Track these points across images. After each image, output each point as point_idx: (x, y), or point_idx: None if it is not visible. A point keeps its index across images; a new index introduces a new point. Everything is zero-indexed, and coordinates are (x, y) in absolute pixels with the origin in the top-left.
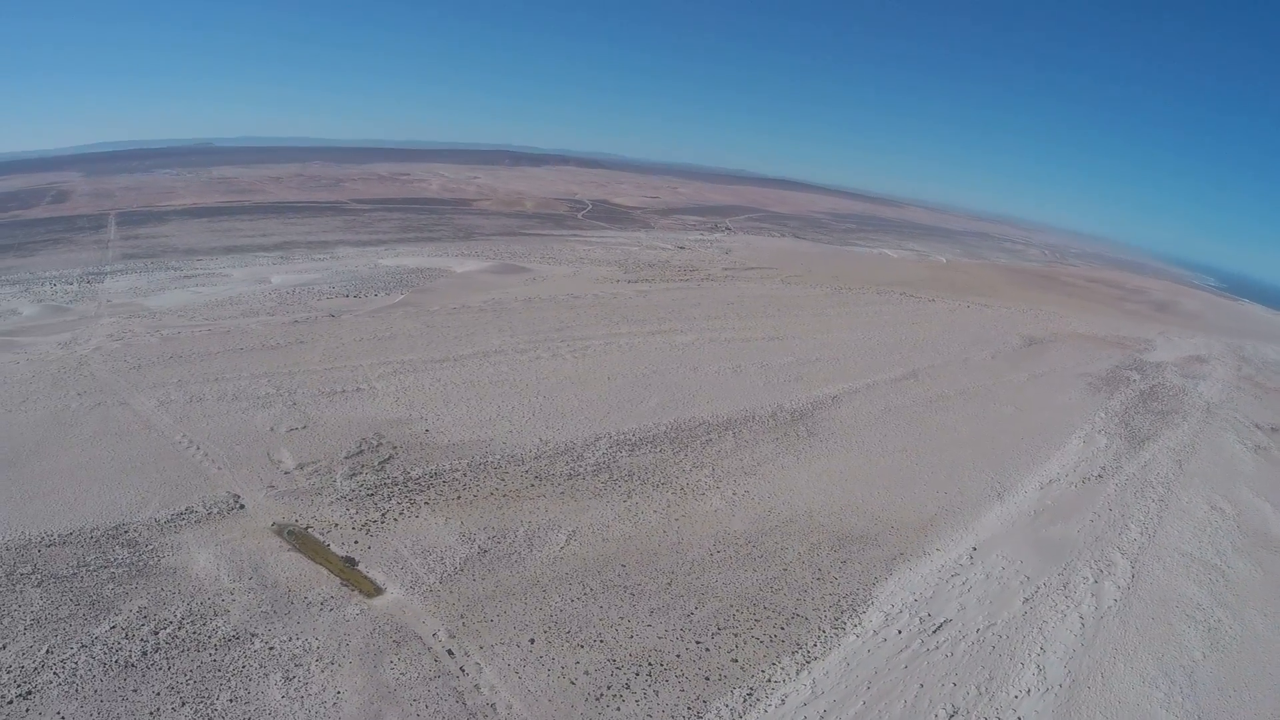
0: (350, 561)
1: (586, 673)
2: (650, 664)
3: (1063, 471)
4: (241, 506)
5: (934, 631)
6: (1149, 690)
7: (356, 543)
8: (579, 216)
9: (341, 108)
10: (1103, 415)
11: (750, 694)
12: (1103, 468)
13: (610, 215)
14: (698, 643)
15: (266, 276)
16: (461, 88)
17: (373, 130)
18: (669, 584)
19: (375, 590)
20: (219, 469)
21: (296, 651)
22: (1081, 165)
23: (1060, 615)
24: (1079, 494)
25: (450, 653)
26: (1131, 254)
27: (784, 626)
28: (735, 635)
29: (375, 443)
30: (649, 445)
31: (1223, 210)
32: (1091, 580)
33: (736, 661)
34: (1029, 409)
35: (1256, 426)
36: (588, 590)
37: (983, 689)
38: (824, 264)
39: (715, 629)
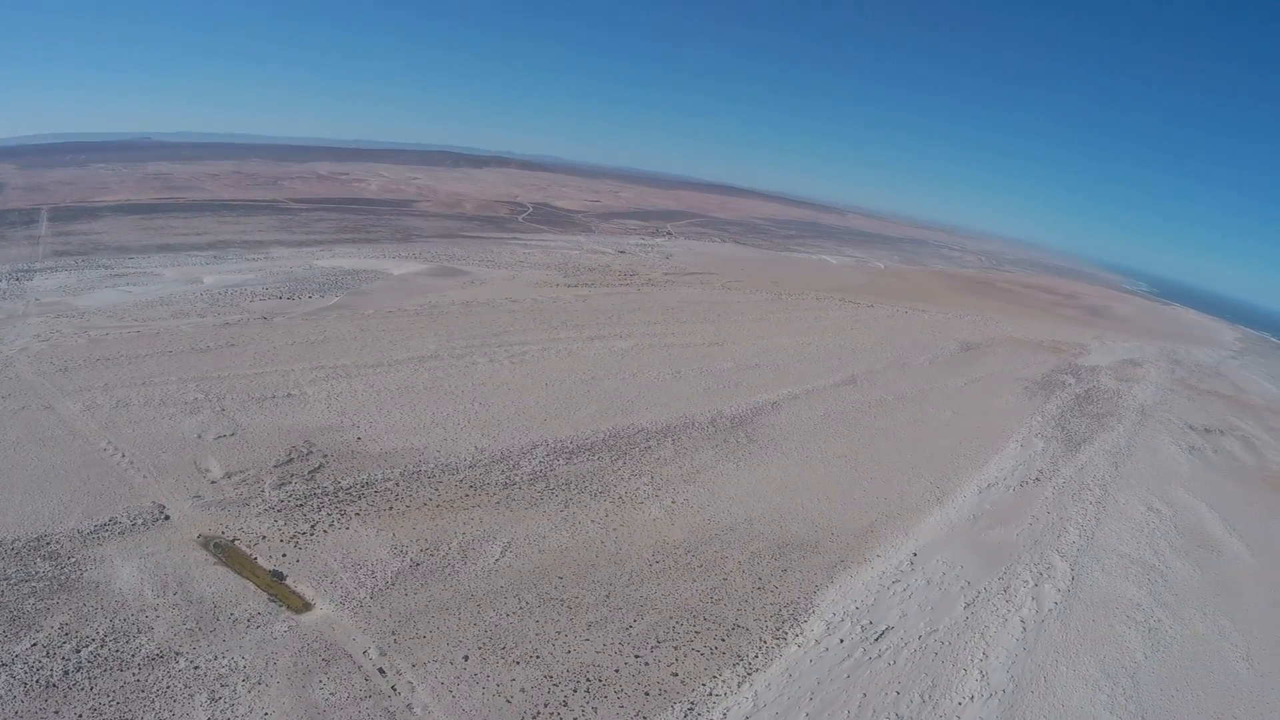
0: (278, 575)
1: (523, 690)
2: (588, 680)
3: (1001, 475)
4: (167, 517)
5: (876, 639)
6: (1093, 693)
7: (285, 556)
8: (519, 219)
9: (283, 105)
10: (1039, 419)
11: (691, 709)
12: (1040, 471)
13: (551, 218)
14: (637, 656)
15: (199, 276)
16: (405, 88)
17: (314, 129)
18: (607, 596)
19: (304, 606)
20: (144, 478)
21: (223, 671)
22: (1017, 173)
23: (1002, 620)
24: (1017, 498)
25: (381, 671)
26: (1065, 260)
27: (725, 638)
28: (675, 648)
29: (305, 451)
30: (587, 453)
31: (1154, 216)
32: (1032, 584)
33: (677, 675)
34: (967, 413)
35: (1190, 428)
36: (524, 604)
37: (926, 697)
38: (764, 270)
39: (655, 642)
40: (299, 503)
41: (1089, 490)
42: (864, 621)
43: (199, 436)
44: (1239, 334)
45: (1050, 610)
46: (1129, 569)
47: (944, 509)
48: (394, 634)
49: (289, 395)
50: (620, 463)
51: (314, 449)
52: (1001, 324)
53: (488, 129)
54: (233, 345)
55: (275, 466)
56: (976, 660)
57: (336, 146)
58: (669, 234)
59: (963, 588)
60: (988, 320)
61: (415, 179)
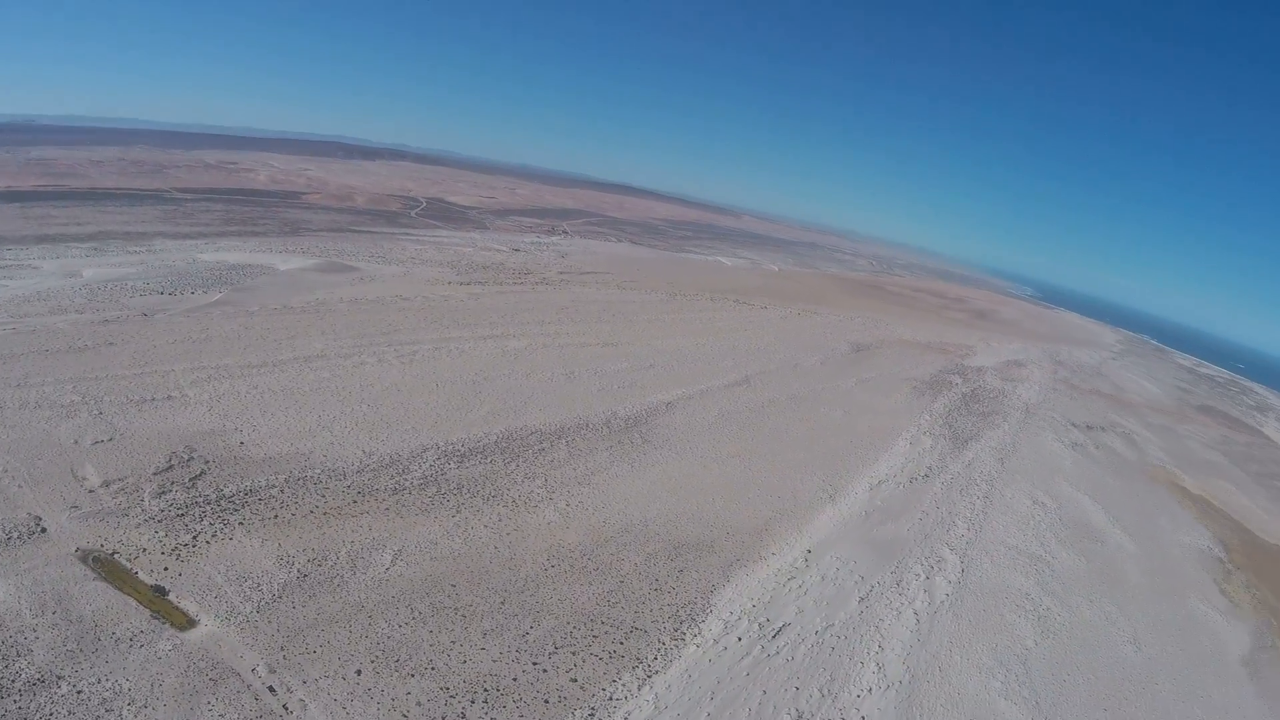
0: (160, 591)
1: (419, 704)
2: (486, 690)
3: (891, 472)
4: (43, 530)
5: (774, 636)
6: (987, 680)
7: (166, 569)
8: (412, 214)
9: (173, 89)
10: (928, 417)
11: (592, 714)
12: (929, 468)
13: (445, 214)
14: (535, 664)
15: (78, 270)
16: (298, 77)
17: (204, 115)
18: (502, 603)
19: (188, 622)
20: (19, 487)
21: (107, 695)
22: (907, 179)
23: (896, 613)
24: (908, 493)
25: (271, 689)
26: (953, 265)
27: (623, 641)
28: (573, 653)
29: (186, 457)
30: (479, 456)
31: (1037, 223)
32: (924, 577)
33: (576, 681)
34: (858, 412)
35: (1073, 425)
36: (416, 614)
37: (825, 691)
38: (660, 270)
39: (552, 648)
40: (180, 512)
41: (976, 485)
42: (761, 619)
43: (75, 442)
44: (1119, 336)
45: (942, 602)
46: (1017, 560)
47: (837, 506)
48: (283, 650)
49: (169, 397)
50: (513, 465)
51: (195, 454)
52: (891, 326)
53: (382, 121)
54: (111, 344)
55: (155, 474)
56: (873, 653)
57: (226, 134)
58: (565, 233)
59: (857, 582)
60: (878, 322)
61: (306, 170)
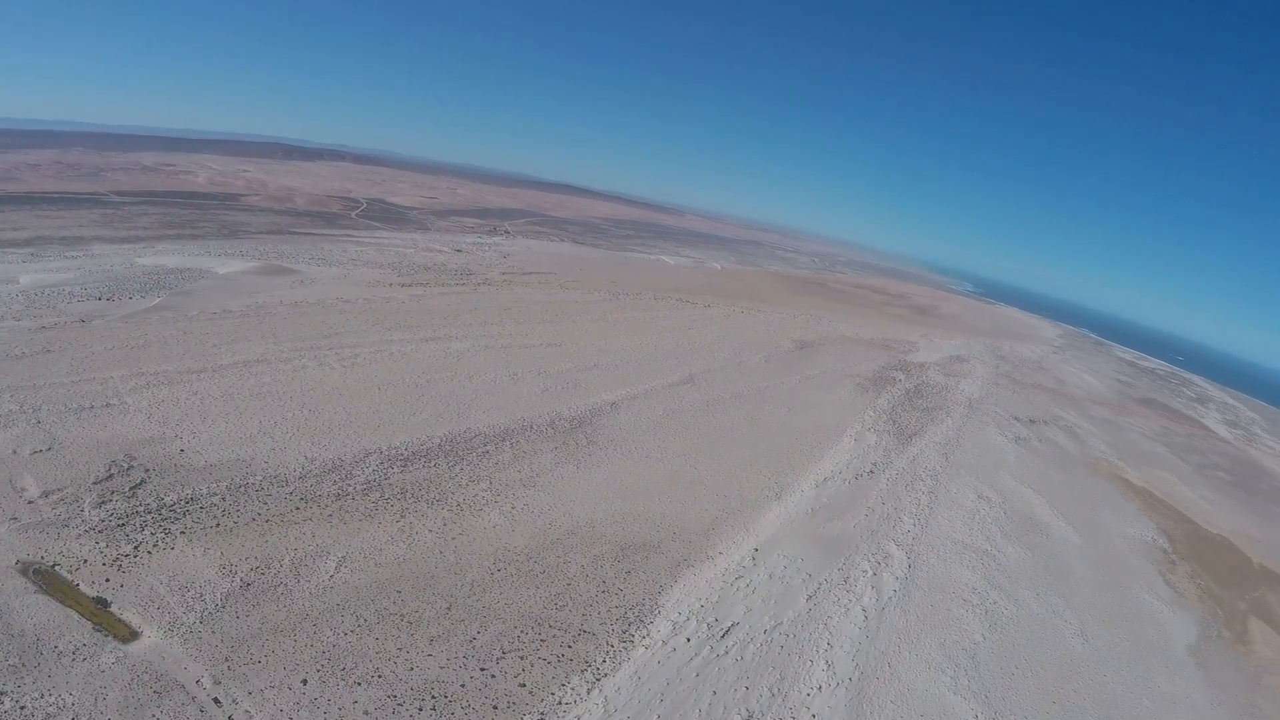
0: (102, 603)
1: (366, 713)
2: (434, 697)
3: (836, 469)
4: None
5: (722, 636)
6: (936, 675)
7: (108, 580)
8: (353, 215)
9: (110, 91)
10: (872, 414)
11: (541, 719)
12: (874, 464)
13: (386, 215)
14: (483, 669)
15: (15, 276)
16: (237, 77)
17: (142, 116)
18: (449, 608)
19: (131, 634)
20: None
21: (50, 710)
22: (849, 176)
23: (844, 610)
24: (853, 490)
25: (216, 701)
26: (895, 262)
27: (571, 644)
28: (522, 658)
29: (126, 465)
30: (423, 460)
31: (977, 219)
32: (871, 573)
33: (525, 686)
34: (802, 410)
35: (1015, 419)
36: (362, 621)
37: (775, 690)
38: (603, 270)
39: (500, 653)
40: (121, 522)
41: (921, 481)
42: (709, 619)
43: (14, 452)
44: (1060, 330)
45: (890, 598)
46: (963, 555)
47: (783, 504)
48: (227, 660)
49: (108, 405)
50: (458, 469)
51: (135, 463)
52: (834, 323)
53: (322, 122)
54: (49, 351)
55: (95, 483)
56: (822, 651)
57: (164, 135)
58: (507, 233)
59: (804, 580)
60: (821, 319)
61: (245, 171)
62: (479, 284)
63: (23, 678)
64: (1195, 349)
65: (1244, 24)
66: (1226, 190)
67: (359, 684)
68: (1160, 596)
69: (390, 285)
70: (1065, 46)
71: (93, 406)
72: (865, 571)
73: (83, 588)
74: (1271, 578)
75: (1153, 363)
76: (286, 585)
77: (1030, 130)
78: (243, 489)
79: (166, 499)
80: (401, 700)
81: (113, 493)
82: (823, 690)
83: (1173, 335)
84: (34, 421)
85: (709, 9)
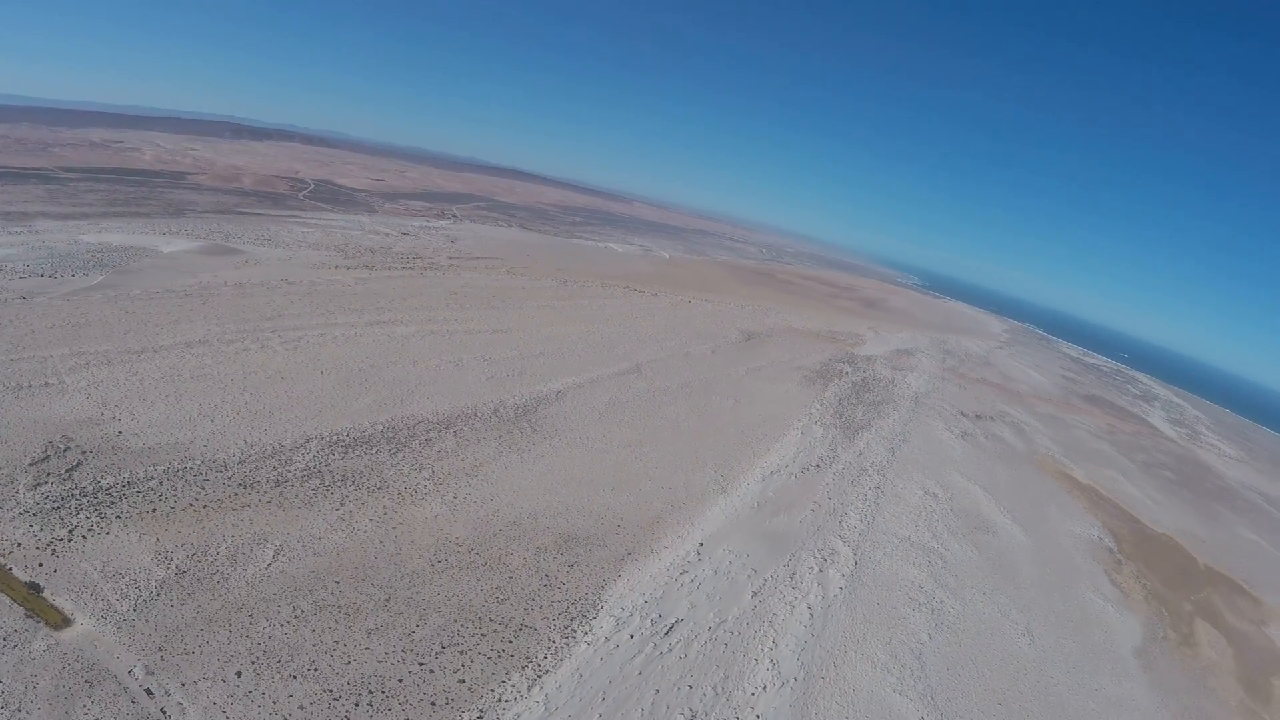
0: (35, 588)
1: (301, 707)
2: (371, 692)
3: (783, 463)
4: None
5: (666, 633)
6: (882, 676)
7: (41, 565)
8: (300, 196)
9: (58, 64)
10: (818, 407)
11: (480, 716)
12: (820, 458)
13: (333, 197)
14: (421, 664)
15: None
16: (186, 54)
17: (90, 92)
18: (387, 600)
19: (63, 621)
20: None
21: None
22: (796, 167)
23: (789, 607)
24: (799, 484)
25: (149, 692)
26: (842, 254)
27: (512, 639)
28: (461, 653)
29: (63, 447)
30: (364, 446)
31: (924, 212)
32: (817, 570)
33: (464, 682)
34: (749, 401)
35: (962, 414)
36: (298, 612)
37: (719, 689)
38: (550, 256)
39: (439, 647)
40: (55, 505)
41: (868, 476)
42: (653, 615)
43: None
44: (1006, 325)
45: (836, 595)
46: (910, 552)
47: (728, 497)
48: (160, 650)
49: (46, 384)
50: (399, 456)
51: (72, 444)
52: (781, 314)
53: (273, 101)
54: None
55: (30, 465)
56: (767, 649)
57: (113, 112)
58: (455, 217)
59: (749, 576)
60: (768, 311)
61: (193, 149)
62: (425, 268)
63: None
64: (1140, 346)
65: (1170, 18)
66: (1169, 188)
67: (294, 677)
68: (1106, 597)
69: (336, 268)
70: (1008, 41)
71: (31, 385)
72: (811, 568)
73: (15, 571)
74: (1216, 578)
75: (1098, 359)
76: (223, 573)
77: (977, 125)
78: (180, 473)
79: (103, 482)
80: (338, 695)
81: (49, 474)
82: (767, 690)
83: (1118, 332)
84: None
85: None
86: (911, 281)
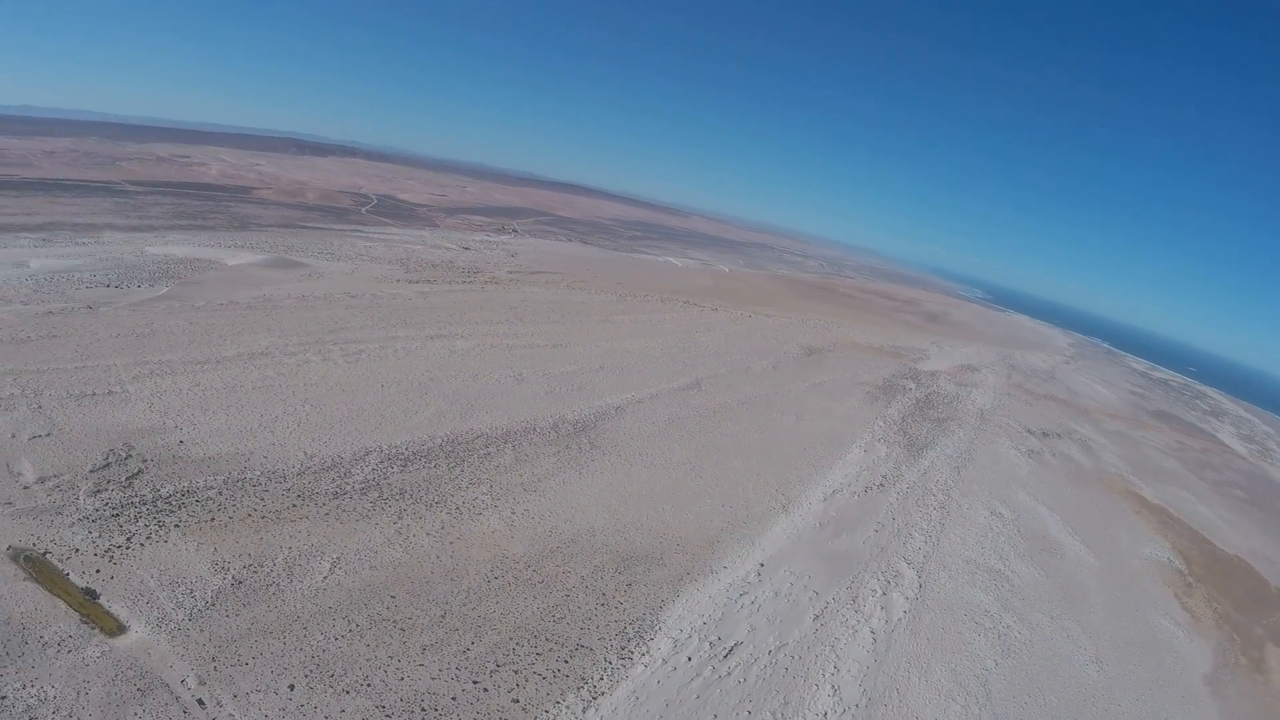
0: (91, 594)
1: None
2: (423, 709)
3: (845, 481)
4: None
5: (725, 656)
6: (946, 704)
7: (99, 571)
8: (362, 211)
9: (128, 82)
10: (881, 424)
11: None
12: (884, 476)
13: (395, 211)
14: (475, 682)
15: (25, 260)
16: (252, 72)
17: (158, 109)
18: (443, 616)
19: (118, 628)
20: None
21: (31, 702)
22: (858, 180)
23: (851, 631)
24: (862, 504)
25: (201, 703)
26: (903, 267)
27: (568, 659)
28: (516, 672)
29: (124, 454)
30: (423, 460)
31: (988, 224)
32: (880, 593)
33: (518, 702)
34: (810, 418)
35: (1028, 432)
36: (353, 626)
37: (779, 715)
38: (609, 270)
39: (494, 665)
40: (115, 512)
41: (932, 495)
42: (712, 638)
43: (13, 436)
44: (1071, 339)
45: (899, 619)
46: (975, 575)
47: (789, 517)
48: (214, 660)
49: (110, 392)
50: (458, 470)
51: (133, 452)
52: (842, 329)
53: (335, 118)
54: (54, 336)
55: (92, 471)
56: (828, 674)
57: (179, 128)
58: (515, 231)
59: (811, 599)
60: (829, 325)
61: (257, 165)
62: (486, 282)
63: (7, 667)
64: (1208, 359)
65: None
66: (1235, 199)
67: (347, 692)
68: (1176, 621)
69: (397, 281)
70: (1079, 55)
71: (94, 394)
72: (874, 591)
73: (73, 577)
74: None
75: (1165, 374)
76: (279, 585)
77: (1041, 137)
78: (240, 483)
79: (163, 490)
80: (390, 711)
81: (109, 482)
82: (828, 716)
83: (1185, 345)
84: (35, 406)
85: (714, 11)
86: (973, 294)
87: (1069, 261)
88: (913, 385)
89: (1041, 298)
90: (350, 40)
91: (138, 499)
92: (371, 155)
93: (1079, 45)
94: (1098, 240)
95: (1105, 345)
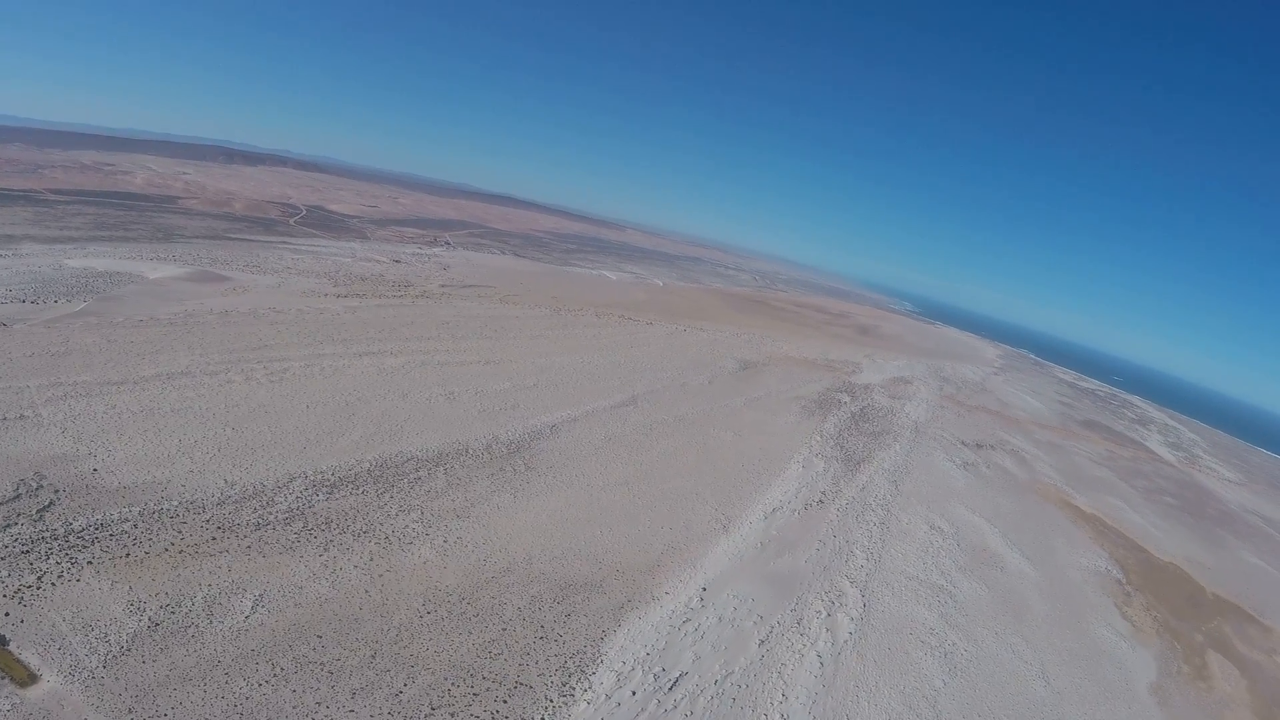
0: (0, 640)
1: None
2: None
3: (785, 498)
4: None
5: (670, 688)
6: None
7: (8, 615)
8: (291, 222)
9: (53, 86)
10: (818, 439)
11: None
12: (823, 492)
13: (325, 223)
14: None
15: None
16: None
17: (85, 114)
18: (373, 656)
19: (29, 677)
20: None
21: None
22: (789, 194)
23: (798, 655)
24: (803, 522)
25: None
26: (834, 280)
27: (507, 699)
28: (452, 715)
29: (35, 485)
30: (350, 486)
31: (914, 238)
32: (825, 614)
33: None
34: (748, 434)
35: (963, 444)
36: (278, 670)
37: None
38: (544, 284)
39: (429, 709)
40: (25, 549)
41: (872, 511)
42: (656, 669)
43: None
44: (999, 350)
45: (845, 641)
46: (919, 591)
47: (730, 537)
48: (131, 712)
49: (21, 417)
50: (387, 496)
51: (45, 482)
52: (777, 342)
53: (268, 125)
54: None
55: (1, 504)
56: (776, 703)
57: (106, 135)
58: (447, 244)
59: (755, 623)
60: (764, 338)
61: (185, 174)
62: (417, 296)
63: None
64: (1131, 368)
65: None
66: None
67: None
68: (1118, 631)
69: (325, 295)
70: (999, 67)
71: (5, 418)
72: (819, 612)
73: None
74: (1225, 607)
75: (1092, 383)
76: (198, 626)
77: (962, 152)
78: (156, 515)
79: (75, 524)
80: None
81: (19, 515)
82: None
83: (1108, 354)
84: None
85: (642, 22)
86: (904, 307)
87: (993, 273)
88: (848, 399)
89: (968, 310)
90: (286, 48)
91: (49, 534)
92: (304, 164)
93: (1003, 60)
94: (1021, 251)
95: (1032, 356)
